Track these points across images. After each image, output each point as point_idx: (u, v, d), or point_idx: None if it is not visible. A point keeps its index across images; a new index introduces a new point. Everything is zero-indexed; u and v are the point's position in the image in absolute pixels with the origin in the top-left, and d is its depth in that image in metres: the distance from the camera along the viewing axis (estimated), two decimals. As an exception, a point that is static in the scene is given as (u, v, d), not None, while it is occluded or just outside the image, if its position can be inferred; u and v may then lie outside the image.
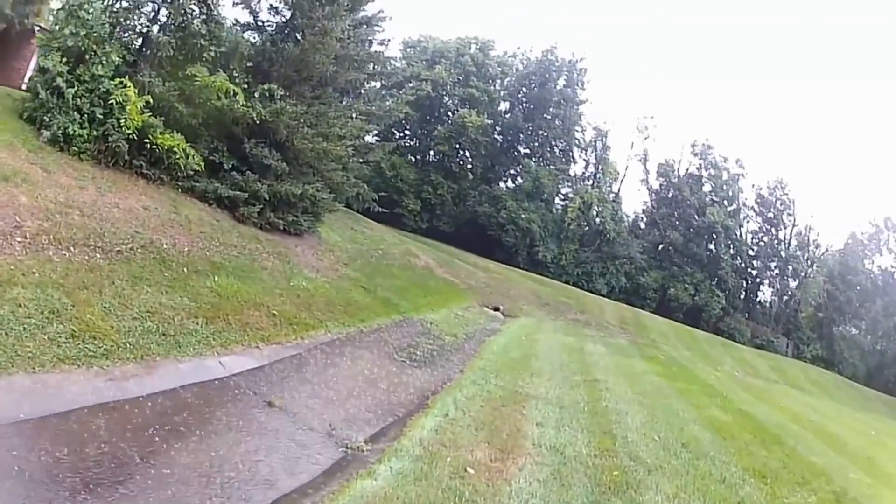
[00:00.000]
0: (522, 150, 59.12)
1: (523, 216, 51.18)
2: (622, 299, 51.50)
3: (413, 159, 55.74)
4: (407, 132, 55.74)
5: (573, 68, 57.31)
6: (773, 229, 62.35)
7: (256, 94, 20.56)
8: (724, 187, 61.48)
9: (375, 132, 51.77)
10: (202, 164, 18.44)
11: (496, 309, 29.58)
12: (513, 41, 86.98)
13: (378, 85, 37.50)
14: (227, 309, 13.39)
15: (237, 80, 20.25)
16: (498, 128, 57.90)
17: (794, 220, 62.26)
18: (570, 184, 58.93)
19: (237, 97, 19.05)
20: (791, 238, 62.59)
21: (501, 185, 57.94)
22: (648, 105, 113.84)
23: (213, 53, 19.29)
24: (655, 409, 13.86)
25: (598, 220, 55.43)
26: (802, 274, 62.24)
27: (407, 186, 50.49)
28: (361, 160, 27.47)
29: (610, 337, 30.26)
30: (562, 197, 58.28)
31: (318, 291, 17.66)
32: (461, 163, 56.48)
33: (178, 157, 17.48)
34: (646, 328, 38.80)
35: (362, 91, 30.28)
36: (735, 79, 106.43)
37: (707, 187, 61.71)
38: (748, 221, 63.41)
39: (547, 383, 14.94)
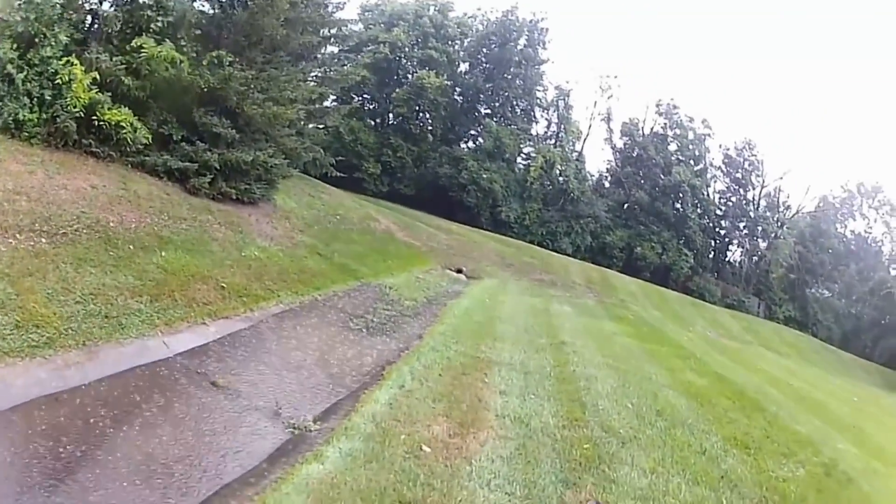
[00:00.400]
0: (483, 111, 58.24)
1: (485, 176, 50.69)
2: (588, 258, 51.38)
3: (372, 123, 54.69)
4: (365, 96, 54.46)
5: (534, 28, 56.44)
6: (740, 189, 62.45)
7: (205, 62, 19.96)
8: (690, 147, 61.37)
9: (333, 97, 51.37)
10: (150, 137, 17.88)
11: (459, 271, 29.51)
12: (473, 2, 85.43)
13: (336, 50, 36.55)
14: (174, 285, 13.01)
15: (185, 49, 19.57)
16: (458, 89, 56.96)
17: (763, 181, 62.57)
18: (532, 143, 58.12)
19: (182, 66, 18.45)
20: (760, 199, 62.90)
21: (462, 146, 57.20)
22: (612, 64, 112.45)
23: (160, 24, 18.53)
24: (627, 374, 13.72)
25: (561, 179, 54.82)
26: (773, 235, 62.61)
27: (366, 150, 49.64)
28: (319, 125, 27.12)
29: (577, 297, 30.17)
30: (524, 157, 57.58)
31: (271, 260, 17.31)
32: (421, 125, 55.50)
33: (125, 131, 16.94)
34: (613, 288, 38.58)
35: (318, 55, 29.96)
36: (703, 38, 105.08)
37: (672, 147, 61.39)
38: (715, 182, 63.61)
39: (511, 348, 14.79)
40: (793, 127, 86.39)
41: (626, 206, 59.42)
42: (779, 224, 63.04)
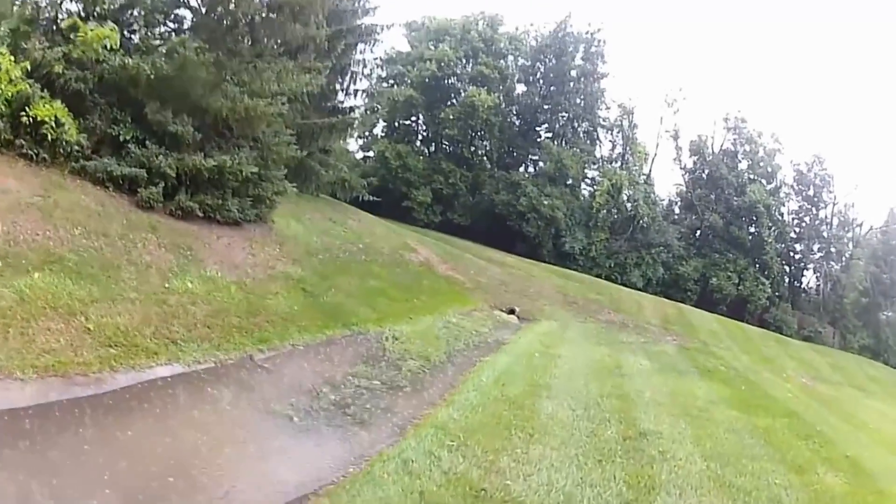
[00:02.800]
0: (542, 133, 52.26)
1: (546, 203, 44.57)
2: (660, 292, 45.06)
3: (422, 147, 50.02)
4: (412, 119, 49.86)
5: (591, 40, 50.66)
6: (813, 208, 55.62)
7: (160, 47, 16.18)
8: (762, 164, 54.72)
9: (383, 122, 47.92)
10: (85, 137, 14.47)
11: (511, 312, 23.85)
12: (523, 17, 79.62)
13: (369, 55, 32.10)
14: (18, 317, 8.89)
15: (136, 31, 16.54)
16: (514, 108, 51.52)
17: (835, 198, 55.52)
18: (596, 166, 52.08)
19: (117, 50, 14.77)
20: (832, 217, 55.87)
21: (521, 170, 51.12)
22: (675, 78, 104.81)
23: (108, 6, 15.67)
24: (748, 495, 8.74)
25: (629, 204, 48.84)
26: (847, 256, 55.33)
27: (415, 177, 44.63)
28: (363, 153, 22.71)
29: (653, 343, 24.66)
30: (588, 181, 51.49)
31: (211, 297, 12.24)
32: (474, 148, 49.73)
33: (48, 128, 13.64)
34: (693, 328, 32.36)
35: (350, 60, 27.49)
36: (763, 46, 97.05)
37: (743, 164, 54.93)
38: (789, 200, 56.63)
39: (557, 458, 9.20)
40: (858, 138, 78.48)
41: (699, 231, 53.13)
42: (853, 243, 55.74)
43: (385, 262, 22.28)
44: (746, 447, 11.11)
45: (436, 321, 17.87)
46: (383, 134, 50.29)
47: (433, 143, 50.99)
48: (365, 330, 14.63)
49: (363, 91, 29.95)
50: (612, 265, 47.08)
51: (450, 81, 49.28)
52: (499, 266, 32.25)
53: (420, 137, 51.07)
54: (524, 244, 44.16)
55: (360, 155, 49.60)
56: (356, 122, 28.96)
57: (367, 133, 48.14)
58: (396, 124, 49.28)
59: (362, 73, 29.24)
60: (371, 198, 30.63)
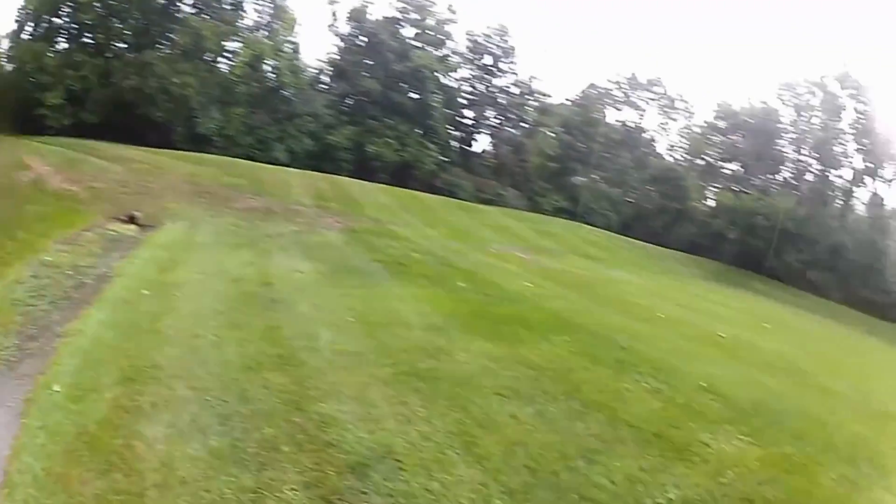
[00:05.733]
0: (185, 8, 46.58)
1: (176, 81, 40.33)
2: (311, 166, 42.43)
3: (62, 44, 42.69)
4: (58, 15, 42.46)
5: None
6: (489, 77, 58.00)
7: None
8: (431, 31, 55.25)
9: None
10: None
11: (131, 219, 20.25)
12: None
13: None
14: None
15: None
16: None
17: (515, 68, 58.60)
18: (241, 38, 48.07)
19: None
20: (511, 86, 58.87)
21: (154, 50, 44.31)
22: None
23: None
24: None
25: (272, 75, 46.44)
26: (531, 124, 59.07)
27: (48, 77, 38.16)
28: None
29: (311, 231, 22.17)
30: (229, 54, 47.47)
31: None
32: (110, 32, 43.14)
33: None
34: (356, 203, 30.41)
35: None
36: None
37: (410, 31, 54.99)
38: (461, 68, 58.35)
39: None
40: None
41: (351, 99, 51.71)
42: (539, 112, 59.51)
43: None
44: (570, 435, 7.69)
45: (23, 270, 12.31)
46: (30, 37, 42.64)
47: (70, 36, 43.70)
48: None
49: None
50: (253, 142, 44.78)
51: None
52: (121, 164, 28.10)
53: (63, 34, 43.64)
54: (156, 133, 39.58)
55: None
56: None
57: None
58: (46, 24, 42.18)
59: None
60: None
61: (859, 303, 51.54)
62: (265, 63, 46.06)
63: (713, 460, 7.67)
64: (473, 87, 58.48)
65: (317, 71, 55.02)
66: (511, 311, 13.44)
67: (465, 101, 58.00)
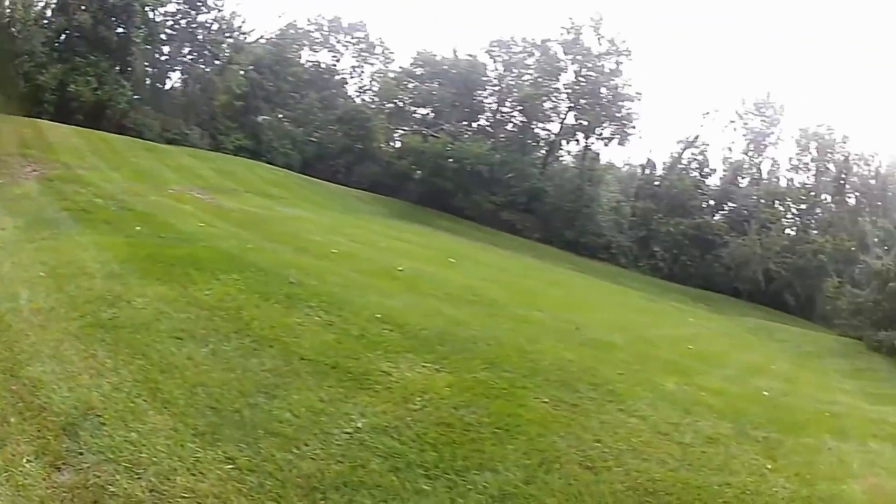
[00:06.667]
0: None
1: None
2: (19, 112, 36.72)
3: None
4: None
5: None
6: (193, 12, 55.14)
7: None
8: None
9: None
10: None
11: None
12: None
13: None
14: None
15: None
16: None
17: (221, 4, 56.42)
18: None
19: None
20: (212, 22, 56.48)
21: None
22: None
23: None
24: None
25: (9, 10, 42.84)
26: (224, 61, 56.70)
27: None
28: None
29: (13, 183, 20.39)
30: None
31: None
32: None
33: None
34: (52, 148, 28.54)
35: None
36: None
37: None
38: (170, 2, 54.74)
39: None
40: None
41: (65, 34, 48.29)
42: (233, 49, 57.03)
43: None
44: (246, 372, 8.09)
45: None
46: None
47: None
48: None
49: None
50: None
51: None
52: None
53: None
54: None
55: None
56: None
57: None
58: None
59: None
60: None
61: (567, 244, 57.13)
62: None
63: (398, 388, 8.05)
64: (176, 22, 55.81)
65: (43, 4, 50.16)
66: (184, 252, 13.04)
67: (164, 37, 55.28)
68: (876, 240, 49.09)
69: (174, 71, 57.32)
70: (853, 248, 55.00)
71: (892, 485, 10.44)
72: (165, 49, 55.51)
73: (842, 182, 63.78)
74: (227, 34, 57.25)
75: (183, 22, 55.52)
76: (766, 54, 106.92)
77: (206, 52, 56.17)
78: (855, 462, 10.73)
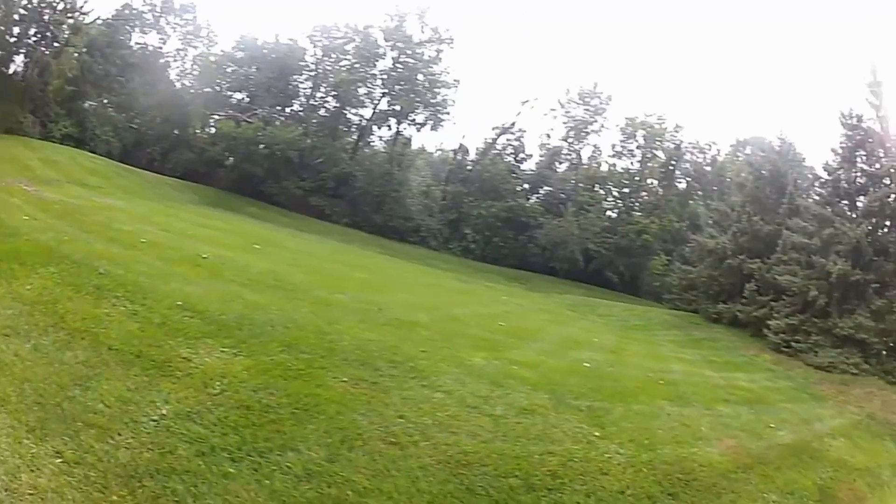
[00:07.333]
0: None
1: None
2: None
3: None
4: None
5: None
6: None
7: None
8: None
9: None
10: None
11: None
12: None
13: None
14: None
15: None
16: None
17: None
18: None
19: None
20: (57, 1, 47.84)
21: None
22: None
23: None
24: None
25: None
26: (62, 42, 50.28)
27: None
28: None
29: None
30: None
31: None
32: None
33: None
34: None
35: None
36: None
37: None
38: None
39: None
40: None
41: None
42: (71, 31, 50.56)
43: None
44: (62, 365, 8.15)
45: None
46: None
47: None
48: None
49: None
50: None
51: None
52: None
53: None
54: None
55: None
56: None
57: None
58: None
59: None
60: None
61: (376, 228, 56.64)
62: None
63: (198, 374, 8.27)
64: (29, 1, 48.28)
65: None
66: (9, 247, 12.69)
67: (17, 18, 48.03)
68: (711, 221, 49.72)
69: (18, 54, 50.59)
70: (684, 229, 56.39)
71: (757, 444, 11.48)
72: (15, 30, 49.14)
73: (671, 168, 66.51)
74: (69, 14, 50.80)
75: (35, 1, 48.71)
76: (603, 47, 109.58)
77: (48, 33, 50.35)
78: (703, 426, 11.53)
